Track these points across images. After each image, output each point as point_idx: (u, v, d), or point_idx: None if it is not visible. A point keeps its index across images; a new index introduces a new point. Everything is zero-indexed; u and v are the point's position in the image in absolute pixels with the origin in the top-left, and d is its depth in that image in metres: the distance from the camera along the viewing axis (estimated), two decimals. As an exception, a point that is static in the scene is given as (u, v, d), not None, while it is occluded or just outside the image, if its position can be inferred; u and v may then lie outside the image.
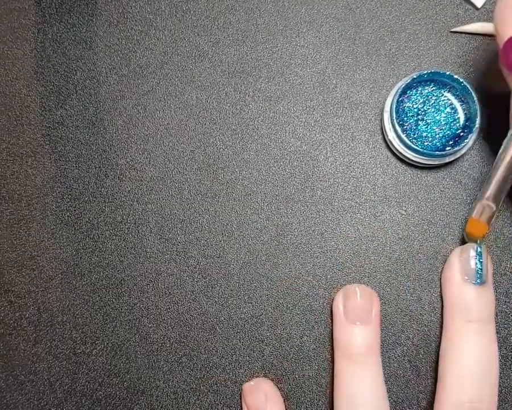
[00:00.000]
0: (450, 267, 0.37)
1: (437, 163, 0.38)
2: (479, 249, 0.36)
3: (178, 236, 0.39)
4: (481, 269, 0.36)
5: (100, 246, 0.39)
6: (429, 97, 0.39)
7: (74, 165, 0.40)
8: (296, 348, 0.38)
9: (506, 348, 0.38)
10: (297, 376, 0.38)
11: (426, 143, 0.38)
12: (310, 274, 0.39)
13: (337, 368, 0.37)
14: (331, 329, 0.38)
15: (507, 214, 0.39)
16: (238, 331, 0.39)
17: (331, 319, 0.38)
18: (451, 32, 0.40)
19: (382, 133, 0.40)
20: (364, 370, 0.36)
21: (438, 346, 0.38)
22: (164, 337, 0.39)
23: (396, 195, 0.39)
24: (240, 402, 0.38)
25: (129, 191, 0.40)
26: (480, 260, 0.36)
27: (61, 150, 0.40)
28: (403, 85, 0.38)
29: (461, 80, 0.38)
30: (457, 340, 0.36)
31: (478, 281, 0.36)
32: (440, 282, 0.39)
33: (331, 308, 0.38)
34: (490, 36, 0.40)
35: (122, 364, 0.39)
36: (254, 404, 0.37)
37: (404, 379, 0.38)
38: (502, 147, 0.36)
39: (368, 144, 0.40)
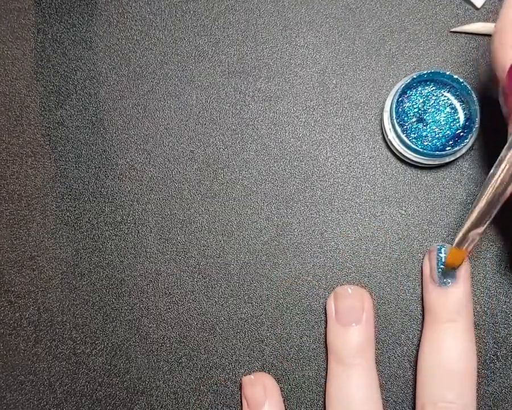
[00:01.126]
0: (423, 271, 0.38)
1: (437, 163, 0.38)
2: (441, 252, 0.36)
3: (178, 236, 0.39)
4: (443, 271, 0.36)
5: (100, 246, 0.39)
6: (429, 97, 0.39)
7: (74, 165, 0.40)
8: (296, 348, 0.38)
9: (505, 348, 0.38)
10: (297, 376, 0.38)
11: (426, 143, 0.38)
12: (310, 274, 0.39)
13: (329, 369, 0.37)
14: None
15: (507, 215, 0.39)
16: (238, 331, 0.39)
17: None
18: (451, 32, 0.40)
19: (382, 133, 0.40)
20: (356, 371, 0.36)
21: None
22: (164, 337, 0.39)
23: (396, 195, 0.39)
24: (240, 396, 0.38)
25: (129, 191, 0.40)
26: (442, 262, 0.36)
27: (61, 150, 0.40)
28: (403, 85, 0.38)
29: (461, 80, 0.38)
30: (425, 341, 0.36)
31: (440, 282, 0.36)
32: None
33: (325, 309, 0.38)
34: (490, 36, 0.40)
35: (122, 364, 0.39)
36: (253, 397, 0.37)
37: (404, 379, 0.38)
38: (490, 172, 0.33)
39: (368, 144, 0.40)
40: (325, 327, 0.38)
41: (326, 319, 0.38)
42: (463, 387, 0.35)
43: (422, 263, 0.38)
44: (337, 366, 0.36)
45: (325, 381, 0.38)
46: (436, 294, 0.36)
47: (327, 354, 0.38)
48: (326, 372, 0.38)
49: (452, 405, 0.34)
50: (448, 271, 0.36)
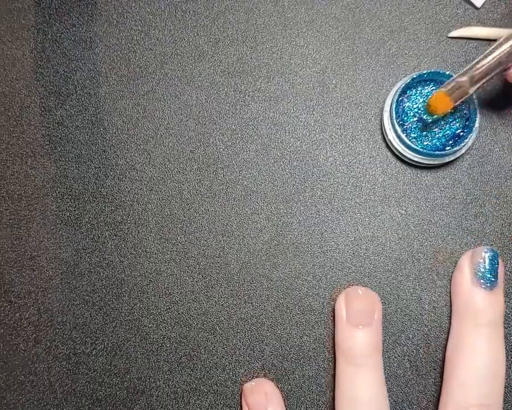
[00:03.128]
0: (460, 271, 0.37)
1: (437, 163, 0.38)
2: (490, 253, 0.36)
3: (178, 236, 0.39)
4: (492, 274, 0.36)
5: (100, 246, 0.39)
6: (429, 96, 0.39)
7: (74, 165, 0.40)
8: (296, 348, 0.38)
9: (505, 348, 0.38)
10: (297, 376, 0.38)
11: (426, 143, 0.38)
12: (310, 274, 0.39)
13: (339, 370, 0.37)
14: (333, 331, 0.38)
15: (507, 214, 0.39)
16: (238, 331, 0.39)
17: (333, 320, 0.38)
18: (448, 37, 0.40)
19: (382, 133, 0.40)
20: (366, 372, 0.36)
21: (438, 346, 0.38)
22: (164, 337, 0.39)
23: (396, 195, 0.39)
24: (240, 402, 0.38)
25: (129, 191, 0.40)
26: (492, 265, 0.36)
27: (61, 150, 0.40)
28: (403, 85, 0.38)
29: (461, 80, 0.38)
30: (465, 343, 0.36)
31: (488, 285, 0.36)
32: (450, 285, 0.38)
33: (333, 310, 0.38)
34: (487, 40, 0.40)
35: (122, 364, 0.39)
36: (254, 404, 0.37)
37: (404, 379, 0.38)
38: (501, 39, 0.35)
39: (368, 144, 0.40)
40: (325, 327, 0.38)
41: (326, 318, 0.38)
42: (498, 391, 0.35)
43: (457, 265, 0.37)
44: (347, 366, 0.36)
45: (326, 381, 0.38)
46: (480, 297, 0.36)
47: (328, 353, 0.38)
48: (332, 372, 0.38)
49: (488, 409, 0.35)
50: (492, 270, 0.36)
